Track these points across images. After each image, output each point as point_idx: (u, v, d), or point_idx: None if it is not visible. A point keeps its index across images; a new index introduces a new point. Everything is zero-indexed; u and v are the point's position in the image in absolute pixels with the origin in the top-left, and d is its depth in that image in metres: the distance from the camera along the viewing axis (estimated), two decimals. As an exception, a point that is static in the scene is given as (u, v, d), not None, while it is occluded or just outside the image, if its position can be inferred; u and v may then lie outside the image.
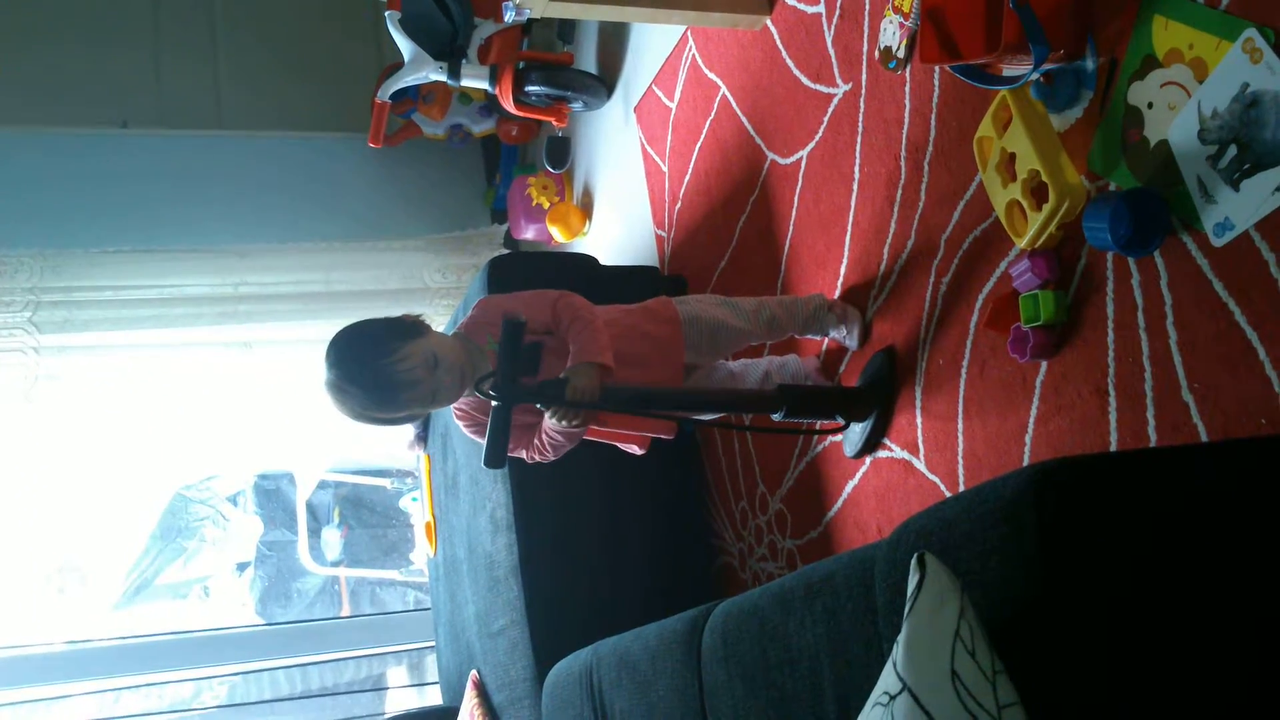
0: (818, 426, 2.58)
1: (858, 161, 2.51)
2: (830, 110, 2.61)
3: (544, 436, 2.24)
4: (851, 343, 2.53)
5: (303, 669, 5.23)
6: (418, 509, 4.69)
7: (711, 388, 2.44)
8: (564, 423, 2.11)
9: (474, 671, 3.31)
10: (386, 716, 3.86)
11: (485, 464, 2.08)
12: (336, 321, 4.34)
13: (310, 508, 5.97)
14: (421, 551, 4.37)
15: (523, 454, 2.31)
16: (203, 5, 4.84)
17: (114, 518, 6.19)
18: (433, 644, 4.01)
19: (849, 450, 2.51)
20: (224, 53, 4.82)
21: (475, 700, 3.22)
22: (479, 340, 2.17)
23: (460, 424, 2.33)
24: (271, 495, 6.19)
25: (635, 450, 2.41)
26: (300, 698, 5.28)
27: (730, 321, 2.43)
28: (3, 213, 4.29)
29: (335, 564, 5.99)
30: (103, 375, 4.25)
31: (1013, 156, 1.93)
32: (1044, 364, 1.98)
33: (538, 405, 2.12)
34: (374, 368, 2.05)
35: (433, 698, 4.17)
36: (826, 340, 2.61)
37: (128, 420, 4.39)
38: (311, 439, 4.73)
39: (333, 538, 5.92)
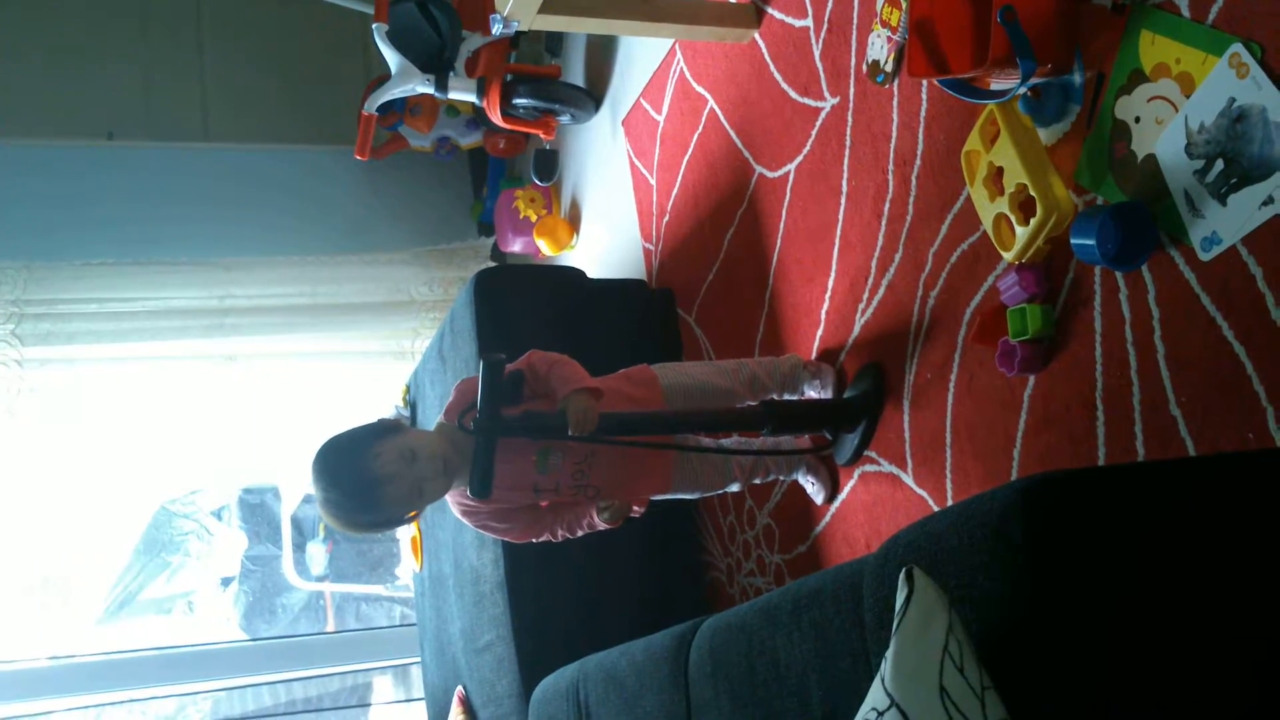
0: (807, 444, 2.58)
1: (845, 175, 2.51)
2: (818, 124, 2.61)
3: (586, 523, 2.31)
4: (827, 394, 2.55)
5: (287, 684, 5.20)
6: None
7: (695, 408, 2.42)
8: (582, 431, 2.12)
9: (460, 687, 3.29)
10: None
11: (472, 494, 2.09)
12: (323, 335, 4.39)
13: (295, 522, 5.94)
14: (407, 566, 4.35)
15: (547, 537, 2.34)
16: (190, 18, 4.83)
17: (97, 532, 6.15)
18: (418, 659, 3.98)
19: (840, 459, 2.51)
20: (211, 65, 4.81)
21: (461, 716, 3.20)
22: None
23: (468, 522, 2.31)
24: (256, 509, 6.16)
25: (635, 510, 2.40)
26: (285, 714, 5.25)
27: (712, 382, 2.44)
28: (-13, 224, 4.28)
29: (320, 579, 5.96)
30: (86, 388, 4.23)
31: (1000, 170, 1.93)
32: (1032, 378, 1.98)
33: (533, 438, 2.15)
34: (350, 467, 2.05)
35: (418, 713, 4.14)
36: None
37: (111, 433, 4.36)
38: (297, 452, 4.70)
39: (318, 552, 5.90)
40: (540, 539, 2.34)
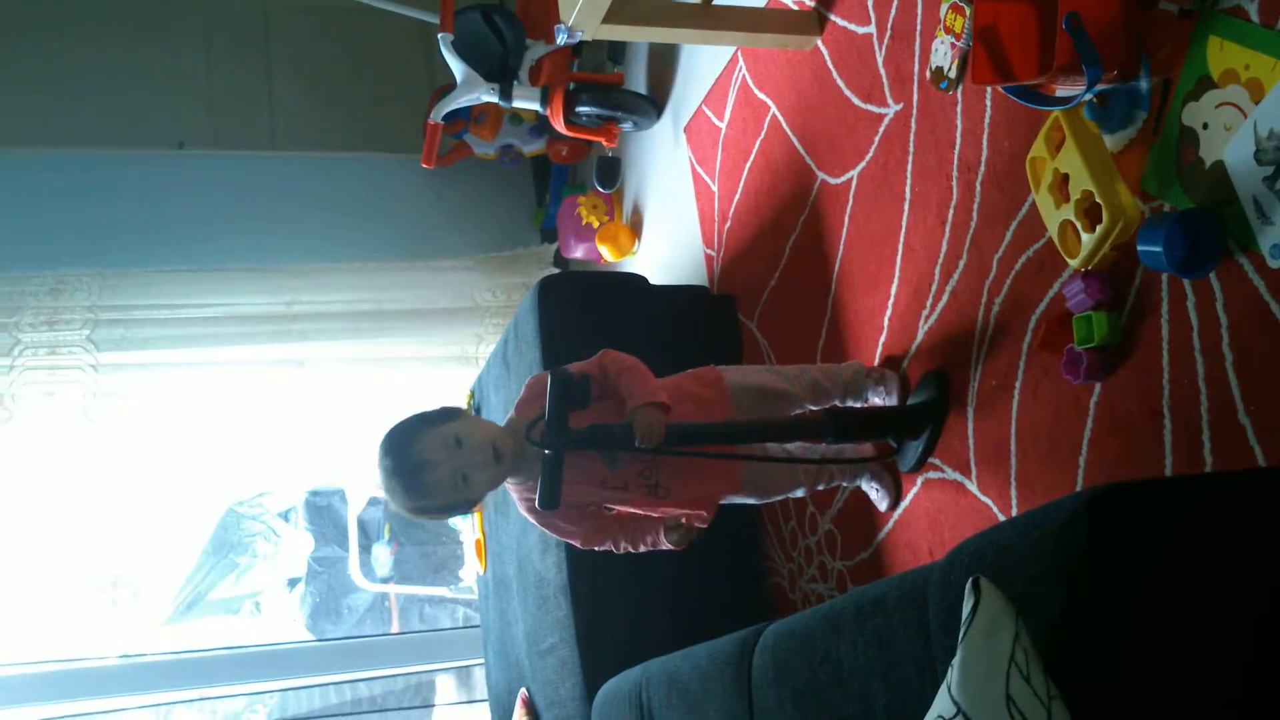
0: (871, 451, 2.58)
1: (909, 181, 2.51)
2: (881, 130, 2.61)
3: (650, 540, 2.33)
4: (891, 401, 2.55)
5: (352, 684, 5.26)
6: (468, 526, 4.71)
7: (759, 416, 2.43)
8: (648, 442, 2.12)
9: (523, 690, 3.32)
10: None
11: (540, 506, 2.10)
12: (388, 340, 4.44)
13: (361, 524, 6.01)
14: (471, 569, 4.39)
15: (609, 547, 2.35)
16: (257, 27, 4.91)
17: (167, 533, 6.26)
18: (482, 661, 4.02)
19: (904, 466, 2.51)
20: (278, 74, 4.90)
21: (524, 719, 3.23)
22: (531, 416, 2.15)
23: (533, 519, 2.33)
24: (323, 511, 6.24)
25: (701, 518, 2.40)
26: (350, 713, 5.32)
27: (775, 385, 2.45)
28: (63, 232, 4.38)
29: (385, 580, 6.02)
30: (158, 392, 4.32)
31: (1066, 177, 1.92)
32: (1098, 385, 1.97)
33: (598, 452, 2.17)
34: (397, 453, 2.10)
35: (482, 714, 4.18)
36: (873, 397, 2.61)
37: (182, 436, 4.44)
38: (363, 456, 4.76)
39: (383, 554, 5.96)
40: (602, 547, 2.35)
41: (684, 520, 2.31)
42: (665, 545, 2.31)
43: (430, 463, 2.08)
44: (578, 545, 2.38)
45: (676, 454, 2.19)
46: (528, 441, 2.09)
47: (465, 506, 2.19)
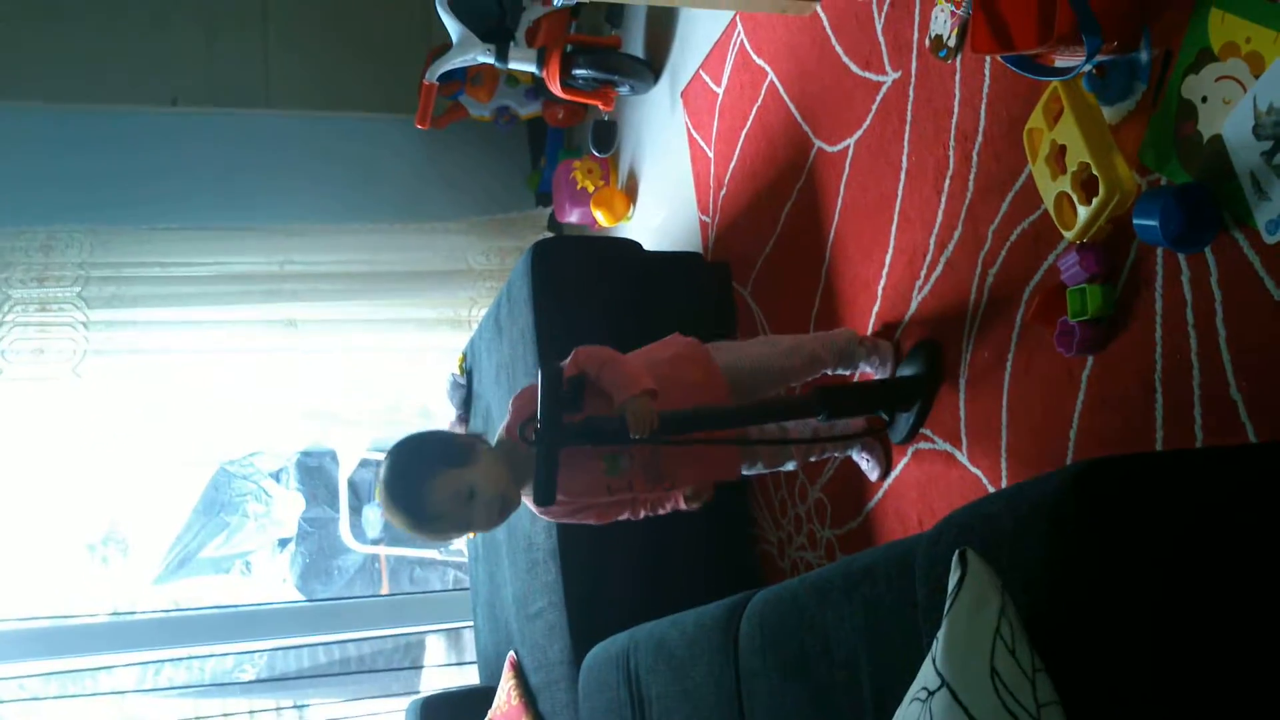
0: (863, 424, 2.57)
1: (906, 150, 2.50)
2: (879, 98, 2.60)
3: (670, 505, 2.34)
4: (884, 370, 2.54)
5: (341, 643, 5.29)
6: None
7: (753, 398, 2.41)
8: (644, 430, 2.12)
9: (511, 652, 3.33)
10: (424, 695, 3.89)
11: (536, 502, 2.10)
12: (381, 301, 4.42)
13: (352, 485, 6.01)
14: (461, 532, 4.39)
15: (628, 516, 2.35)
16: (254, -14, 4.87)
17: (159, 492, 6.27)
18: (471, 624, 4.03)
19: (895, 437, 2.51)
20: (274, 32, 4.85)
21: (512, 681, 3.24)
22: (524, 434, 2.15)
23: (546, 519, 2.37)
24: (314, 472, 6.25)
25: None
26: (339, 673, 5.35)
27: (771, 361, 2.43)
28: (55, 188, 4.35)
29: (376, 542, 6.03)
30: (150, 351, 4.31)
31: (1063, 149, 1.91)
32: (1090, 358, 1.96)
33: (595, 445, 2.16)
34: (408, 493, 2.09)
35: (470, 677, 4.20)
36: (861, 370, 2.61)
37: (173, 395, 4.43)
38: (354, 417, 4.77)
39: (374, 516, 5.96)
40: (622, 518, 2.35)
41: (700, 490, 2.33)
42: (685, 508, 2.33)
43: (440, 515, 2.09)
44: (595, 523, 2.38)
45: (670, 443, 2.18)
46: (524, 441, 2.06)
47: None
